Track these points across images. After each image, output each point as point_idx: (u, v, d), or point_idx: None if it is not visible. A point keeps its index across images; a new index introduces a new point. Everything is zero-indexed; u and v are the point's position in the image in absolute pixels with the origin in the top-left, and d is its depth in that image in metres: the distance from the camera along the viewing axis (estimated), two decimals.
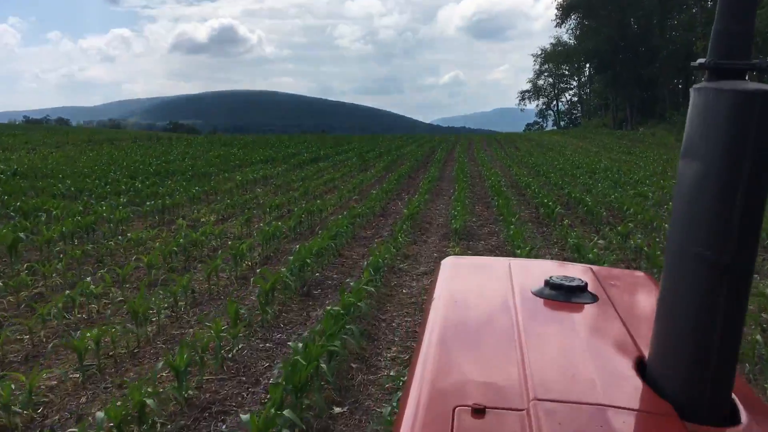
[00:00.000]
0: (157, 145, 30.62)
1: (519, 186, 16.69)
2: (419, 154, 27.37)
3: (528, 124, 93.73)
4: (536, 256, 8.33)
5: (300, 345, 4.21)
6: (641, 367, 1.22)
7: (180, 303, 6.38)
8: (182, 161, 20.22)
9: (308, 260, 7.25)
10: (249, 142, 33.62)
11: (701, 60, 1.03)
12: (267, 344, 5.53)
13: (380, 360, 5.23)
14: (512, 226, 9.67)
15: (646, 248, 8.37)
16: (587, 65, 76.02)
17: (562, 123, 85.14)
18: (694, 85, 1.04)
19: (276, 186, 15.56)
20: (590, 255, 7.84)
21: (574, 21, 68.33)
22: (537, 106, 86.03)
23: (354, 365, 5.06)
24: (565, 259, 8.39)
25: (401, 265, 8.34)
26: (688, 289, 1.04)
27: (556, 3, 66.78)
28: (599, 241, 9.16)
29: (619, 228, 9.79)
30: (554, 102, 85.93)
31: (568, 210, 12.80)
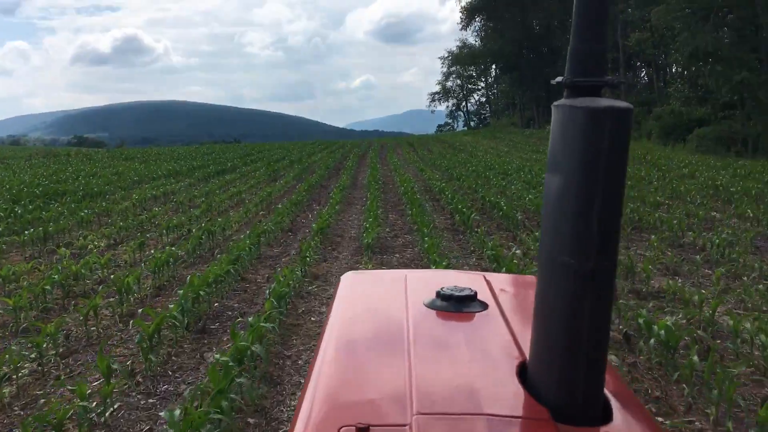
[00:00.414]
0: (52, 163, 28.62)
1: (433, 191, 16.31)
2: (331, 161, 26.68)
3: (439, 126, 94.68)
4: (453, 269, 7.90)
5: (177, 412, 3.46)
6: (523, 373, 1.25)
7: (50, 353, 5.46)
8: (75, 180, 18.72)
9: (202, 292, 6.45)
10: (153, 155, 31.99)
11: (559, 78, 1.08)
12: (150, 399, 4.72)
13: (283, 410, 4.53)
14: (427, 238, 9.15)
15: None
16: (493, 66, 77.68)
17: (472, 123, 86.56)
18: (555, 102, 1.08)
19: (177, 203, 14.51)
20: (509, 266, 7.40)
21: (478, 23, 69.50)
22: (447, 107, 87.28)
23: (251, 420, 4.35)
24: (484, 270, 7.99)
25: (310, 288, 7.66)
26: (557, 295, 1.09)
27: (460, 6, 67.72)
28: (516, 251, 8.76)
29: (536, 233, 9.43)
30: (464, 103, 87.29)
31: (483, 215, 12.46)
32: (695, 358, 4.73)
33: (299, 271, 7.96)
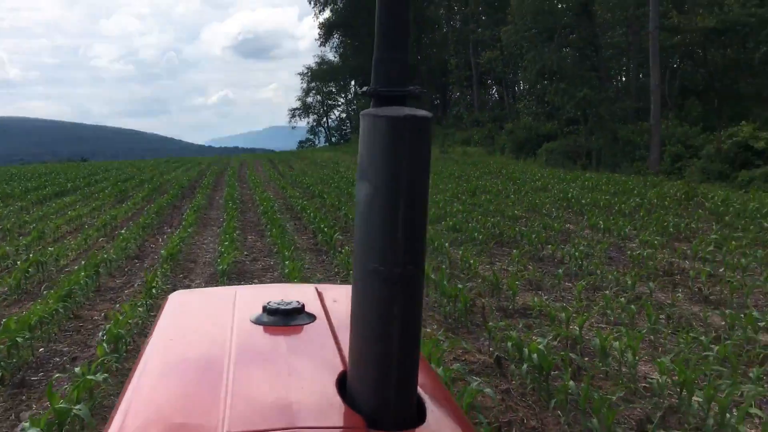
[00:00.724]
0: None
1: (294, 210, 15.70)
2: (186, 179, 25.19)
3: (300, 142, 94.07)
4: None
5: None
6: (343, 383, 1.25)
7: None
8: None
9: (20, 338, 5.47)
10: None
11: (365, 88, 1.10)
12: None
13: None
14: (288, 261, 8.56)
15: (432, 275, 7.74)
16: (352, 82, 78.45)
17: (333, 139, 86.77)
18: (362, 111, 1.10)
19: (3, 230, 12.89)
20: None
21: (337, 39, 69.90)
22: (308, 123, 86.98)
23: None
24: None
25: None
26: (370, 302, 1.10)
27: (318, 22, 67.85)
28: None
29: None
30: (324, 119, 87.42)
31: (347, 234, 12.02)
32: (570, 382, 4.51)
33: (143, 304, 7.09)
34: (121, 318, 5.93)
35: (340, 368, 1.35)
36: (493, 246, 10.51)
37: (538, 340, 5.14)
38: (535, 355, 4.85)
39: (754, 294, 7.38)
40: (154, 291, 7.54)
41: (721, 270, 8.53)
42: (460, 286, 7.03)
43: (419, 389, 1.19)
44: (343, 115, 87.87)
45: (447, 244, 9.99)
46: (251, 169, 33.09)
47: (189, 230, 12.23)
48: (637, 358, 5.18)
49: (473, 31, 47.32)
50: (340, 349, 1.46)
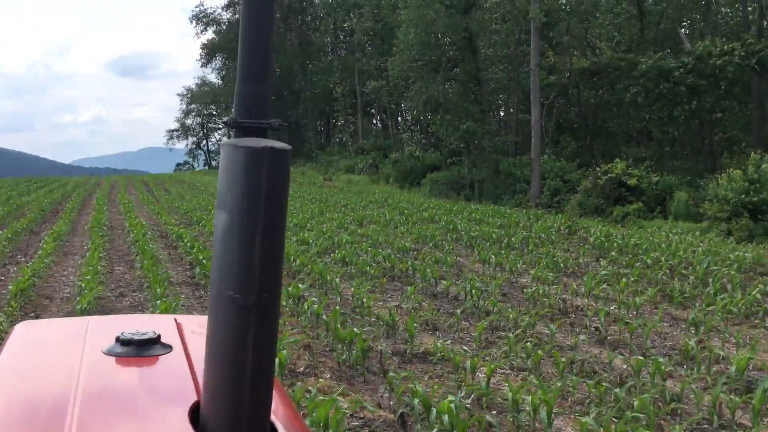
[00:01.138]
0: None
1: (169, 238, 14.51)
2: (48, 202, 22.92)
3: (178, 164, 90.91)
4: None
5: None
6: (196, 414, 1.22)
7: None
8: None
9: None
10: None
11: (226, 118, 1.12)
12: None
13: None
14: (159, 300, 7.58)
15: (324, 316, 7.06)
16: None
17: (213, 162, 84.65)
18: (222, 141, 1.11)
19: None
20: None
21: (219, 61, 68.27)
22: (186, 145, 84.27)
23: None
24: None
25: None
26: (224, 330, 1.09)
27: (200, 43, 66.08)
28: None
29: (290, 289, 8.37)
30: (204, 141, 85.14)
31: None
32: None
33: None
34: None
35: (194, 399, 1.31)
36: (385, 281, 9.97)
37: (450, 398, 4.58)
38: (446, 416, 4.29)
39: (650, 335, 7.26)
40: None
41: (613, 308, 8.45)
42: (356, 330, 6.40)
43: (272, 417, 1.20)
44: (224, 138, 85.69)
45: (338, 280, 9.35)
46: (123, 192, 31.00)
47: (46, 260, 10.85)
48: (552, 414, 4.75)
49: (359, 60, 47.48)
50: (195, 380, 1.42)
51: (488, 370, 5.51)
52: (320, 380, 5.78)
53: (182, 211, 20.52)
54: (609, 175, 21.01)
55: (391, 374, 5.53)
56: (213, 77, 75.42)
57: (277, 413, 1.23)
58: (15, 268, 10.82)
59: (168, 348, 1.59)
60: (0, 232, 14.30)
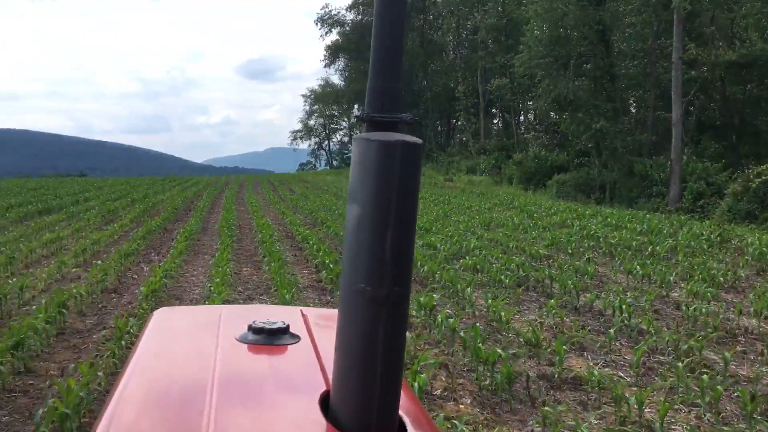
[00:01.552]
0: None
1: (295, 239, 14.42)
2: (180, 200, 23.81)
3: (301, 164, 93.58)
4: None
5: None
6: (326, 402, 1.25)
7: None
8: None
9: None
10: None
11: (357, 113, 1.15)
12: None
13: None
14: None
15: (461, 332, 6.44)
16: (356, 106, 78.10)
17: (334, 162, 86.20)
18: (354, 135, 1.15)
19: None
20: None
21: (342, 62, 69.40)
22: (309, 145, 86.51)
23: None
24: None
25: None
26: (355, 322, 1.11)
27: (325, 45, 67.44)
28: None
29: (421, 299, 7.83)
30: (326, 142, 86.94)
31: None
32: None
33: (113, 356, 5.82)
34: (75, 385, 4.63)
35: (323, 388, 1.35)
36: (521, 291, 9.22)
37: None
38: None
39: None
40: (124, 340, 6.24)
41: None
42: (500, 351, 5.74)
43: (400, 411, 1.20)
44: (345, 139, 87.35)
45: (469, 290, 8.70)
46: (250, 191, 31.84)
47: (177, 261, 10.94)
48: None
49: (481, 58, 46.45)
50: (323, 369, 1.46)
51: (662, 409, 4.69)
52: (460, 405, 5.19)
53: (306, 211, 20.61)
54: (763, 178, 18.98)
55: (546, 408, 4.82)
56: (336, 78, 76.90)
57: (404, 407, 1.24)
58: (147, 267, 10.99)
59: (296, 338, 1.64)
60: (136, 230, 14.78)
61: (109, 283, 9.36)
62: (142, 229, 14.28)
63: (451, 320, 6.89)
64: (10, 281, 8.69)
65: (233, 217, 18.00)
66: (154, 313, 2.00)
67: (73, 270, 10.23)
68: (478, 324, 6.76)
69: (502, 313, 7.48)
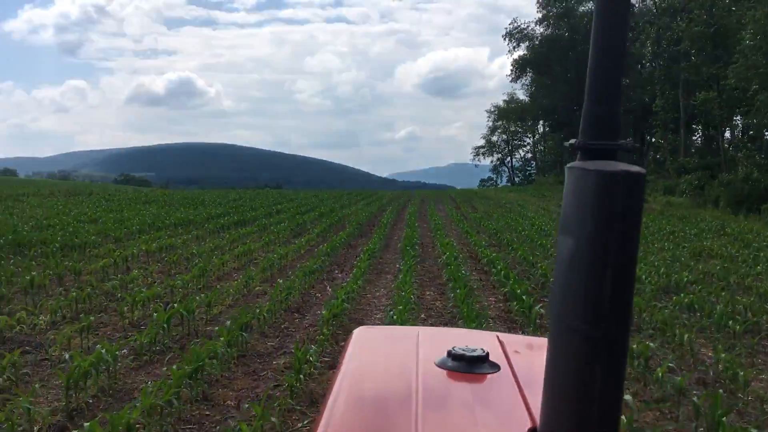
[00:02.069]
0: (69, 201, 26.81)
1: (480, 262, 13.60)
2: (365, 215, 23.90)
3: (482, 180, 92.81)
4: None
5: None
6: None
7: None
8: (64, 226, 16.39)
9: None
10: (174, 199, 30.00)
11: (572, 141, 1.07)
12: None
13: None
14: None
15: (695, 399, 5.22)
16: (541, 122, 75.96)
17: (516, 179, 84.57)
18: (568, 164, 1.06)
19: (169, 262, 12.09)
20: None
21: (529, 77, 67.78)
22: (491, 162, 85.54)
23: None
24: None
25: (301, 426, 5.02)
26: (568, 360, 1.06)
27: (512, 59, 66.25)
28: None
29: (634, 346, 6.64)
30: (508, 158, 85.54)
31: (546, 298, 9.68)
32: None
33: (291, 393, 5.38)
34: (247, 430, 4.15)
35: (528, 424, 1.28)
36: (756, 342, 7.65)
37: None
38: None
39: None
40: (304, 369, 5.78)
41: None
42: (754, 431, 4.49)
43: None
44: (528, 156, 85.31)
45: (688, 336, 7.31)
46: (432, 207, 31.55)
47: (359, 281, 10.57)
48: None
49: (684, 69, 42.69)
50: (527, 404, 1.39)
51: None
52: None
53: (490, 230, 19.63)
54: None
55: None
56: (521, 94, 75.40)
57: None
58: (330, 288, 10.74)
59: (496, 367, 1.59)
60: (321, 246, 14.81)
61: (292, 301, 9.15)
62: (327, 245, 14.22)
63: (678, 378, 5.66)
64: (199, 296, 8.71)
65: (416, 234, 17.55)
66: (355, 331, 2.03)
67: (258, 287, 10.20)
68: (715, 387, 5.48)
69: (740, 372, 6.09)
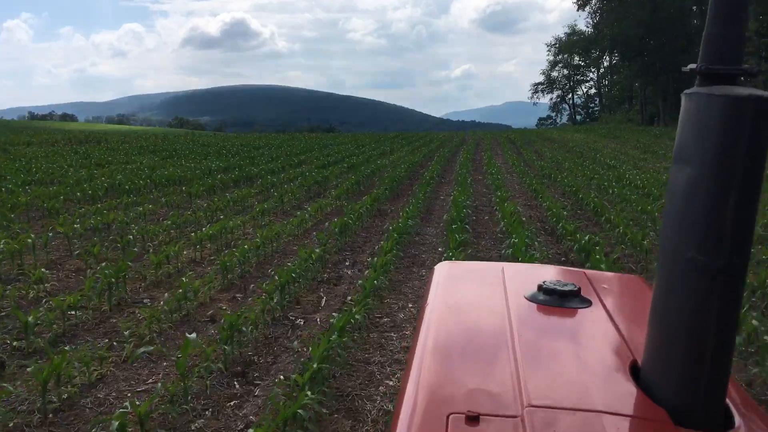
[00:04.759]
0: (69, 150, 23.31)
1: (562, 244, 9.27)
2: (406, 166, 19.08)
3: (540, 119, 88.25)
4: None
5: None
6: (635, 372, 1.22)
7: None
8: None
9: None
10: (187, 146, 26.09)
11: (692, 65, 1.05)
12: None
13: None
14: None
15: None
16: (605, 55, 70.01)
17: (578, 117, 79.38)
18: (686, 90, 1.05)
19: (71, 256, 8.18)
20: None
21: (597, 3, 61.29)
22: (551, 99, 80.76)
23: None
24: None
25: None
26: (681, 293, 1.05)
27: None
28: None
29: None
30: (569, 95, 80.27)
31: None
32: None
33: None
34: None
35: (628, 357, 1.29)
36: None
37: None
38: None
39: None
40: None
41: None
42: None
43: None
44: (592, 91, 79.69)
45: None
46: (488, 152, 26.87)
47: (378, 279, 6.51)
48: None
49: None
50: (623, 337, 1.40)
51: None
52: None
53: (567, 187, 14.95)
54: None
55: None
56: (583, 25, 69.54)
57: (729, 393, 1.13)
58: (324, 295, 6.70)
59: (587, 302, 1.62)
60: (348, 206, 10.63)
61: (237, 357, 5.12)
62: (341, 218, 9.97)
63: None
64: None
65: (467, 195, 13.15)
66: (436, 267, 2.03)
67: (201, 315, 6.13)
68: None
69: None
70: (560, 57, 76.32)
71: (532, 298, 1.61)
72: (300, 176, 16.18)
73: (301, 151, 25.26)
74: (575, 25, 73.85)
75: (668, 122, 49.04)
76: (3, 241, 7.50)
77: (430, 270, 1.99)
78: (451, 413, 1.08)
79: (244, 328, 5.19)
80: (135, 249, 8.06)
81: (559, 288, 1.60)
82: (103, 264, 7.16)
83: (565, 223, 9.60)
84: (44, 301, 6.12)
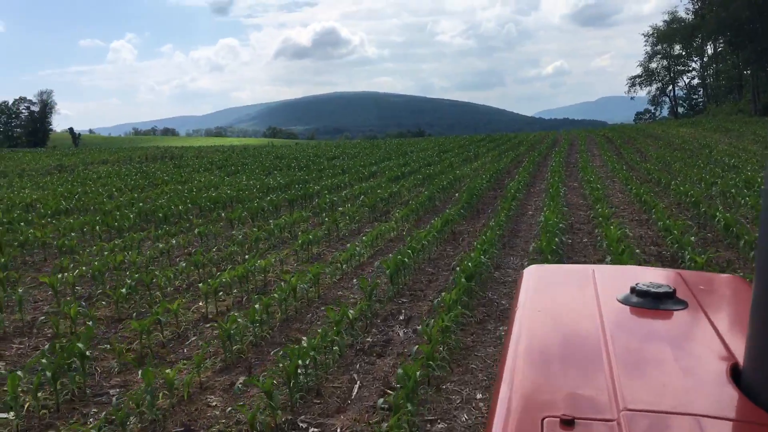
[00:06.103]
0: (108, 171, 22.53)
1: (678, 265, 6.99)
2: (487, 176, 16.59)
3: (638, 113, 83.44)
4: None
5: None
6: (736, 374, 1.18)
7: None
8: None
9: None
10: (254, 160, 24.85)
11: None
12: None
13: None
14: None
15: None
16: (710, 41, 64.90)
17: (680, 110, 74.31)
18: None
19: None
20: None
21: None
22: (649, 92, 76.02)
23: None
24: None
25: None
26: None
27: None
28: None
29: None
30: (670, 87, 75.22)
31: None
32: None
33: None
34: None
35: (727, 359, 1.23)
36: None
37: None
38: None
39: None
40: None
41: None
42: None
43: None
44: (695, 82, 74.37)
45: None
46: (584, 154, 24.17)
47: (435, 353, 4.56)
48: None
49: None
50: (722, 340, 1.33)
51: None
52: None
53: (680, 195, 12.40)
54: None
55: None
56: (683, 12, 64.80)
57: None
58: (358, 378, 4.80)
59: (682, 303, 1.52)
60: (386, 256, 8.69)
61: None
62: (391, 258, 7.87)
63: None
64: None
65: (560, 209, 10.90)
66: (524, 271, 1.96)
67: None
68: None
69: None
70: (659, 47, 71.82)
71: (624, 301, 1.53)
72: (366, 192, 14.31)
73: (376, 161, 23.47)
74: (675, 12, 68.96)
75: None
76: None
77: (519, 273, 1.87)
78: (546, 417, 1.05)
79: None
80: (125, 306, 6.40)
81: (652, 290, 1.51)
82: (69, 335, 5.52)
83: (692, 254, 7.25)
84: None
